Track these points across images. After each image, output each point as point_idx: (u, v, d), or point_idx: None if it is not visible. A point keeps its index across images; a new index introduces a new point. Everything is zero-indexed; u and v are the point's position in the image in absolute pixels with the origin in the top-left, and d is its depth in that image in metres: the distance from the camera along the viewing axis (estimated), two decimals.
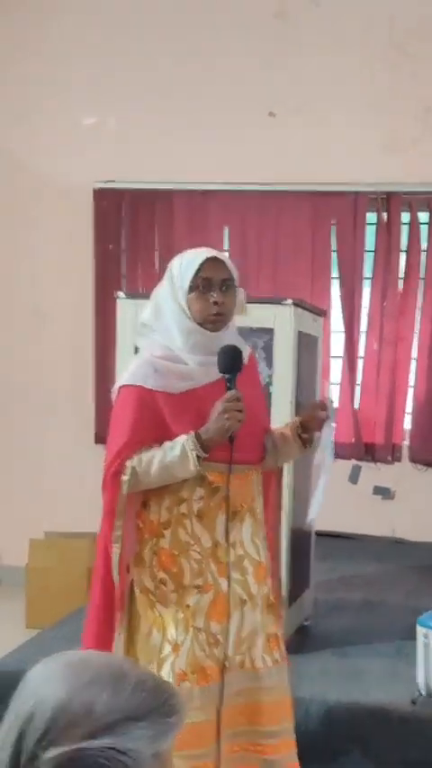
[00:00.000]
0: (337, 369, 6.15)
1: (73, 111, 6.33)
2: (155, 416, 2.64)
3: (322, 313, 4.56)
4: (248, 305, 3.06)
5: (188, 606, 2.64)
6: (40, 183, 6.35)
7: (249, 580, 2.72)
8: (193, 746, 2.57)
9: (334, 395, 5.91)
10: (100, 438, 6.11)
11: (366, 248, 6.09)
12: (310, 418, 2.87)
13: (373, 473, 6.11)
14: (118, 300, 4.04)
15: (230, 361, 2.65)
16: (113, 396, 2.76)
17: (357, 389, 6.10)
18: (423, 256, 6.01)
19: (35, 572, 5.72)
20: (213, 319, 2.68)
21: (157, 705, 1.20)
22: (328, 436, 2.87)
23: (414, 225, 6.00)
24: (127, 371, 2.74)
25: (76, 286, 6.34)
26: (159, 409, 2.64)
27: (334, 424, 2.89)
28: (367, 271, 6.13)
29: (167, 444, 2.61)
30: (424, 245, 6.02)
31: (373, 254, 6.09)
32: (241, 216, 6.14)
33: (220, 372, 2.65)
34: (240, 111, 6.10)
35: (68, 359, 6.42)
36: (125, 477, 2.61)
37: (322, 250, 6.13)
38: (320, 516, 4.41)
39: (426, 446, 6.04)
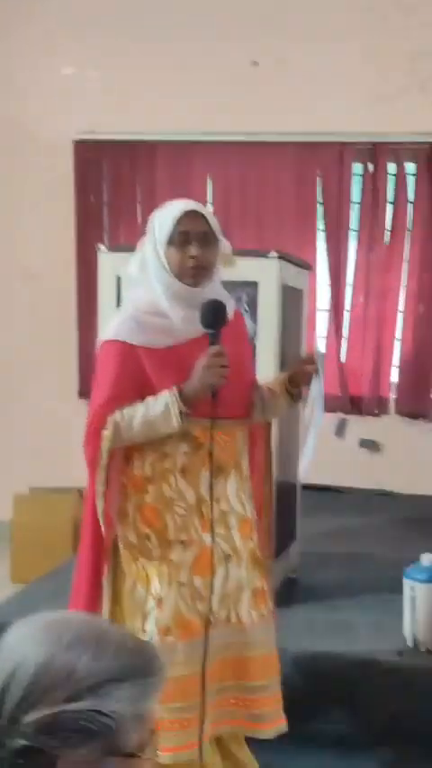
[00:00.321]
0: (323, 322, 6.11)
1: (53, 61, 6.21)
2: (137, 372, 2.61)
3: (308, 266, 4.51)
4: (237, 257, 3.01)
5: (171, 561, 2.63)
6: (20, 135, 6.24)
7: (234, 535, 2.71)
8: (177, 700, 2.59)
9: (321, 348, 5.88)
10: (83, 392, 6.08)
11: (352, 200, 6.03)
12: (298, 372, 2.85)
13: (360, 426, 6.11)
14: (99, 254, 3.98)
15: (213, 315, 2.62)
16: (96, 350, 2.72)
17: (344, 343, 6.07)
18: (410, 208, 5.95)
19: (20, 527, 5.71)
20: (192, 273, 2.64)
21: (138, 666, 1.19)
22: (317, 390, 2.83)
23: (401, 176, 5.93)
24: (109, 326, 2.70)
25: (58, 239, 6.26)
26: (142, 365, 2.61)
27: (322, 377, 2.85)
28: (353, 223, 6.06)
29: (150, 400, 2.58)
30: (411, 196, 5.95)
31: (359, 206, 6.02)
32: (225, 167, 6.06)
33: (203, 327, 2.62)
34: (224, 61, 5.99)
35: (51, 313, 6.35)
36: (107, 433, 2.58)
37: (308, 202, 6.06)
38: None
39: (412, 399, 6.03)
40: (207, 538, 2.65)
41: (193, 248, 2.62)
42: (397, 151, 5.90)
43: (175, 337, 2.65)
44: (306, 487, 4.54)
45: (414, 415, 6.03)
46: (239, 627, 2.71)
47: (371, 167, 5.95)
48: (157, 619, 2.61)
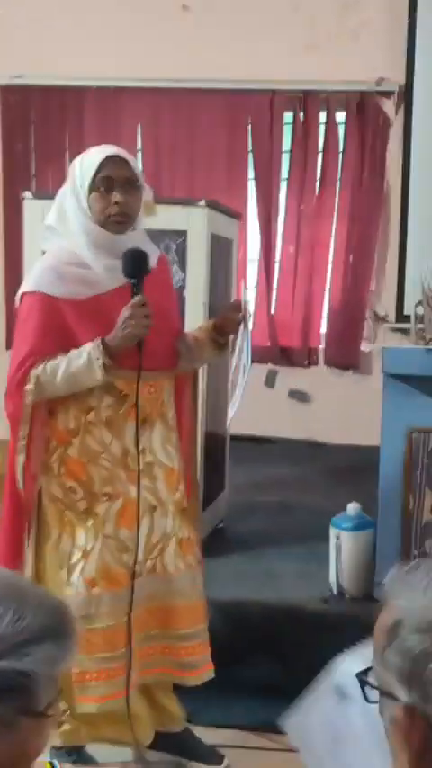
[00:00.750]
0: (253, 273, 6.09)
1: None
2: (59, 324, 2.56)
3: (237, 215, 4.48)
4: (161, 206, 2.97)
5: (97, 514, 2.62)
6: None
7: (159, 486, 2.70)
8: (103, 650, 2.60)
9: (251, 298, 5.87)
10: (10, 344, 5.99)
11: (283, 149, 5.99)
12: (224, 320, 2.82)
13: (290, 376, 6.13)
14: (25, 201, 3.90)
15: (135, 264, 2.58)
16: (17, 303, 2.66)
17: (274, 293, 6.06)
18: (340, 158, 5.94)
19: None
20: (115, 220, 2.59)
21: (58, 627, 1.21)
22: (244, 338, 2.81)
23: (331, 125, 5.91)
24: (29, 277, 2.64)
25: None
26: (64, 317, 2.57)
27: (251, 326, 2.83)
28: (284, 172, 6.03)
29: (73, 352, 2.54)
30: (341, 146, 5.93)
31: (289, 154, 5.99)
32: (154, 114, 5.98)
33: (125, 276, 2.57)
34: (154, 5, 5.88)
35: None
36: (29, 387, 2.54)
37: (238, 150, 6.01)
38: (236, 420, 4.40)
39: (341, 350, 6.07)
40: (133, 490, 2.63)
41: (117, 194, 2.57)
42: (327, 100, 5.87)
43: (98, 288, 2.60)
44: (236, 438, 4.54)
45: (343, 365, 6.07)
46: (165, 576, 2.71)
47: (301, 116, 5.91)
48: (84, 570, 2.60)
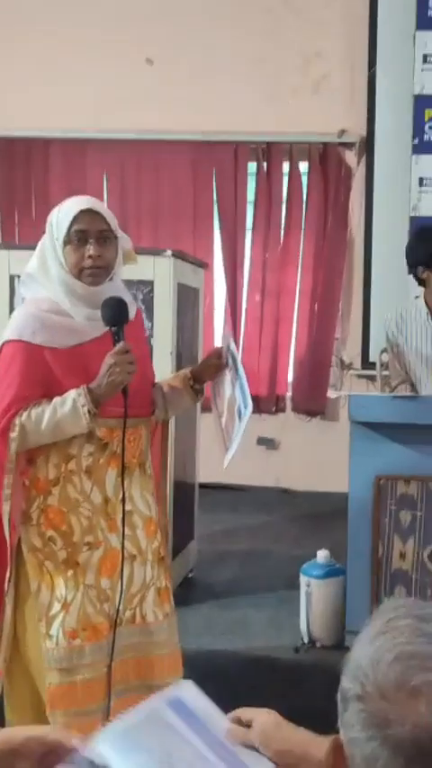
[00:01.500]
0: (219, 321, 6.12)
1: None
2: (43, 372, 2.54)
3: (204, 264, 4.51)
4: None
5: (78, 563, 2.58)
6: None
7: (139, 535, 2.68)
8: (83, 704, 2.56)
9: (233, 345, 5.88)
10: None
11: (248, 199, 6.06)
12: (205, 367, 2.83)
13: (258, 424, 6.13)
14: None
15: (114, 313, 2.56)
16: None
17: (240, 341, 6.10)
18: (303, 207, 6.01)
19: None
20: (90, 273, 2.58)
21: None
22: (236, 384, 2.80)
23: (294, 175, 5.99)
24: (11, 325, 2.62)
25: None
26: (47, 365, 2.54)
27: (242, 372, 2.82)
28: (249, 222, 6.10)
29: (58, 400, 2.52)
30: (304, 195, 6.01)
31: (254, 205, 6.06)
32: (120, 165, 6.04)
33: (106, 325, 2.56)
34: (118, 58, 5.97)
35: None
36: (14, 435, 2.51)
37: (204, 201, 6.07)
38: (204, 468, 4.43)
39: (308, 397, 6.09)
40: (113, 538, 2.61)
41: (91, 248, 2.57)
42: (290, 151, 5.96)
43: (80, 337, 2.59)
44: (204, 486, 4.54)
45: (310, 412, 6.10)
46: (144, 627, 2.68)
47: (265, 166, 5.99)
48: (64, 622, 2.56)
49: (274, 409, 6.14)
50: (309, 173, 6.01)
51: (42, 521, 2.59)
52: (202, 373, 2.82)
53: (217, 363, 2.80)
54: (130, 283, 3.50)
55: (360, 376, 6.00)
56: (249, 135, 5.92)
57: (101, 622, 2.59)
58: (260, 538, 5.01)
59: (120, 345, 2.52)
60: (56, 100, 5.95)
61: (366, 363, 5.93)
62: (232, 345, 2.86)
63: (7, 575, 2.59)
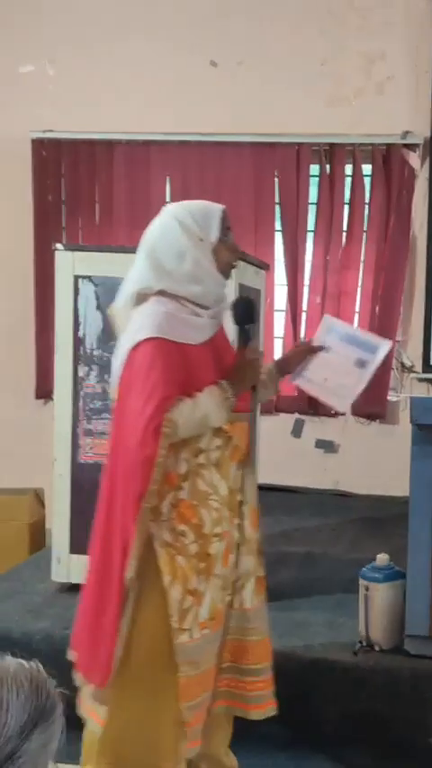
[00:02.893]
0: (280, 323, 6.12)
1: (10, 59, 6.16)
2: (180, 368, 2.63)
3: (265, 266, 4.52)
4: None
5: (209, 554, 2.66)
6: None
7: (246, 525, 2.79)
8: (201, 692, 2.66)
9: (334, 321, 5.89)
10: (41, 393, 6.04)
11: (309, 201, 6.05)
12: (291, 356, 3.02)
13: (316, 426, 6.13)
14: (56, 252, 3.96)
15: (249, 313, 2.79)
16: (128, 347, 2.66)
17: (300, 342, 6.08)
18: (366, 210, 5.99)
19: None
20: (231, 269, 2.77)
21: (40, 709, 1.13)
22: (344, 343, 2.98)
23: (357, 177, 5.96)
24: (148, 323, 2.65)
25: (16, 239, 6.22)
26: (184, 361, 2.63)
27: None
28: (310, 224, 6.09)
29: (201, 395, 2.62)
30: (367, 198, 5.99)
31: (316, 206, 6.04)
32: (183, 167, 6.06)
33: (236, 324, 2.77)
34: (182, 60, 5.99)
35: (8, 313, 6.31)
36: (167, 431, 2.56)
37: (265, 202, 6.07)
38: (263, 470, 4.43)
39: (368, 400, 6.03)
40: (233, 529, 2.75)
41: (235, 245, 2.76)
42: (353, 152, 5.93)
43: (204, 334, 2.71)
44: (262, 488, 4.53)
45: (370, 416, 6.06)
46: (242, 612, 2.79)
47: (328, 168, 5.97)
48: (198, 614, 2.65)
49: (333, 412, 6.11)
50: (372, 174, 5.98)
51: (174, 515, 2.65)
52: (289, 363, 3.00)
53: (306, 349, 3.00)
54: None
55: (421, 379, 5.96)
56: (312, 137, 5.90)
57: (222, 610, 2.72)
58: (318, 541, 5.00)
59: (255, 345, 2.77)
60: (120, 102, 6.00)
61: (428, 366, 5.89)
62: (332, 321, 3.08)
63: (131, 573, 2.62)
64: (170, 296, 2.68)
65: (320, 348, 2.97)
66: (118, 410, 2.71)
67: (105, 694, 2.64)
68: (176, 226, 2.70)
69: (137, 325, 2.66)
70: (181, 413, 2.57)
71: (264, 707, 2.83)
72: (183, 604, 2.62)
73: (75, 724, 2.44)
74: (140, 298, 2.72)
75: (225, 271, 2.75)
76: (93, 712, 2.67)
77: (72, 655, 2.77)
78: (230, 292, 3.76)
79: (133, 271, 2.77)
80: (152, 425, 2.54)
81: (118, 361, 2.71)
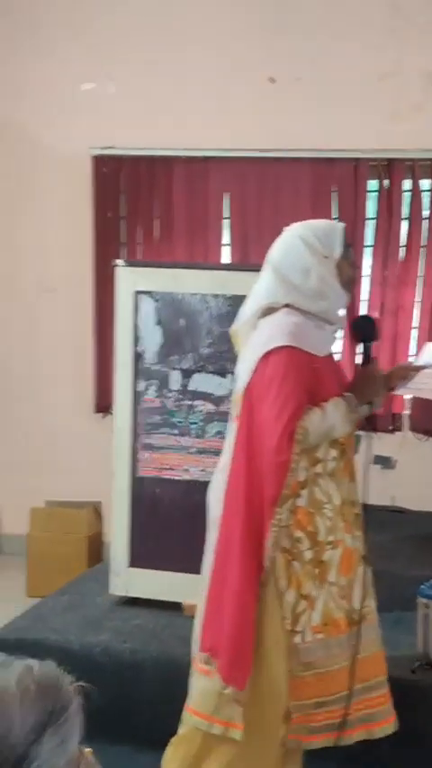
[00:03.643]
0: (338, 338, 6.10)
1: (71, 77, 6.25)
2: (309, 378, 2.73)
3: None
4: (248, 274, 3.13)
5: (322, 562, 2.74)
6: (39, 150, 6.29)
7: (362, 537, 2.89)
8: (324, 694, 2.75)
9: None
10: (100, 407, 6.10)
11: (367, 216, 6.04)
12: (395, 373, 3.10)
13: (374, 442, 6.07)
14: (116, 269, 4.01)
15: (374, 330, 2.99)
16: (258, 356, 2.74)
17: (358, 359, 6.06)
18: (425, 224, 5.96)
19: (35, 541, 5.73)
20: (353, 286, 2.92)
21: (49, 710, 1.10)
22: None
23: (416, 192, 5.94)
24: (279, 332, 2.74)
25: (76, 254, 6.29)
26: (312, 371, 2.74)
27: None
28: (368, 239, 6.08)
29: (328, 405, 2.73)
30: (426, 212, 5.96)
31: (374, 221, 6.03)
32: (241, 183, 6.08)
33: (358, 341, 2.96)
34: (241, 76, 6.03)
35: (69, 328, 6.38)
36: (300, 438, 2.66)
37: (323, 217, 6.03)
38: None
39: (426, 416, 6.02)
40: (348, 538, 2.81)
41: (354, 260, 2.90)
42: (412, 167, 5.92)
43: (325, 349, 2.85)
44: None
45: (428, 431, 6.02)
46: (372, 624, 2.89)
47: (386, 183, 5.96)
48: (310, 618, 2.72)
49: (390, 428, 6.09)
50: (431, 189, 5.96)
51: (291, 522, 2.74)
52: (392, 380, 3.08)
53: (409, 368, 3.14)
54: None
55: None
56: (371, 152, 5.90)
57: (340, 617, 2.78)
58: (376, 557, 4.94)
59: (376, 364, 2.93)
60: (179, 119, 6.05)
61: None
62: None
63: (260, 574, 2.74)
64: (297, 309, 2.78)
65: (423, 367, 3.08)
66: (244, 418, 2.79)
67: (245, 695, 2.73)
68: (300, 244, 2.82)
69: (267, 334, 2.75)
70: (312, 422, 2.67)
71: (393, 719, 2.89)
72: (296, 608, 2.71)
73: None
74: (267, 312, 2.82)
75: (347, 286, 2.85)
76: (230, 722, 2.76)
77: (207, 660, 2.82)
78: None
79: (258, 287, 2.88)
80: (287, 432, 2.64)
81: (244, 370, 2.80)
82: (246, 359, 2.83)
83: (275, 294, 2.81)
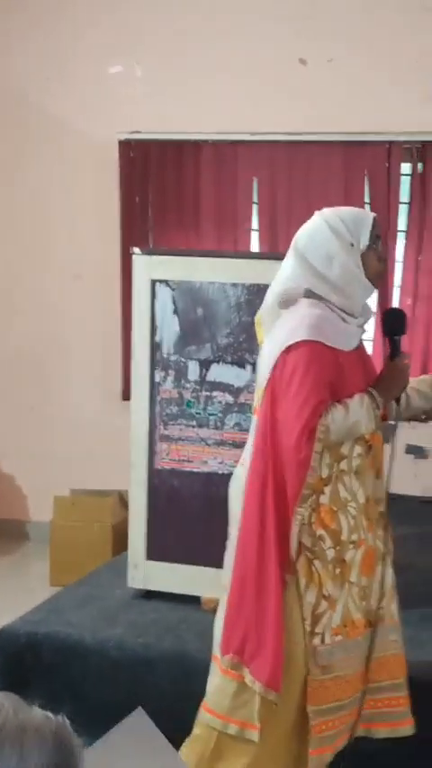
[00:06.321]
0: (370, 324, 5.99)
1: (98, 60, 6.18)
2: (333, 373, 2.65)
3: None
4: (271, 261, 3.07)
5: (344, 561, 2.68)
6: (66, 135, 6.23)
7: (386, 536, 2.82)
8: (337, 698, 2.69)
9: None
10: (127, 394, 6.03)
11: (400, 200, 5.90)
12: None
13: (407, 432, 5.96)
14: (133, 257, 3.93)
15: (402, 323, 2.84)
16: (280, 348, 2.67)
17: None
18: None
19: (59, 529, 5.70)
20: (381, 277, 2.81)
21: (64, 759, 1.11)
22: None
23: None
24: (303, 325, 2.66)
25: (103, 240, 6.24)
26: (336, 366, 2.66)
27: None
28: (401, 224, 5.94)
29: (352, 402, 2.65)
30: None
31: (407, 206, 5.90)
32: (271, 167, 5.97)
33: (387, 335, 2.83)
34: (270, 59, 5.91)
35: (96, 316, 6.33)
36: (321, 435, 2.59)
37: (355, 202, 5.93)
38: None
39: None
40: (371, 538, 2.75)
41: (383, 253, 2.77)
42: None
43: (353, 342, 2.74)
44: None
45: None
46: (394, 625, 2.83)
47: (419, 167, 5.82)
48: (331, 619, 2.66)
49: (424, 417, 5.94)
50: None
51: (314, 519, 2.67)
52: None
53: None
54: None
55: None
56: (404, 135, 5.76)
57: (359, 618, 2.72)
58: (403, 549, 4.85)
59: (405, 357, 2.81)
60: (207, 103, 5.96)
61: None
62: None
63: (283, 575, 2.66)
64: (318, 298, 2.68)
65: None
66: (264, 411, 2.71)
67: (274, 695, 2.67)
68: (327, 229, 2.71)
69: (289, 326, 2.67)
70: (334, 419, 2.59)
71: (411, 721, 2.84)
72: (317, 609, 2.65)
73: None
74: (288, 298, 2.72)
75: (374, 279, 2.74)
76: (249, 723, 2.70)
77: (235, 666, 2.75)
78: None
79: (281, 271, 2.81)
80: (307, 430, 2.57)
81: (266, 364, 2.72)
82: (267, 352, 2.75)
83: (296, 278, 2.73)
